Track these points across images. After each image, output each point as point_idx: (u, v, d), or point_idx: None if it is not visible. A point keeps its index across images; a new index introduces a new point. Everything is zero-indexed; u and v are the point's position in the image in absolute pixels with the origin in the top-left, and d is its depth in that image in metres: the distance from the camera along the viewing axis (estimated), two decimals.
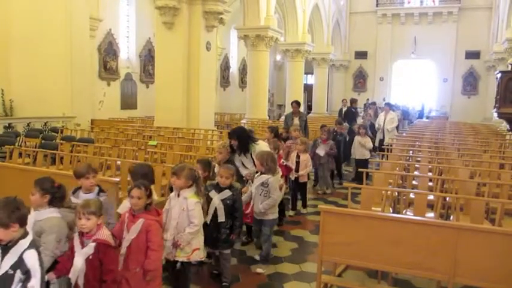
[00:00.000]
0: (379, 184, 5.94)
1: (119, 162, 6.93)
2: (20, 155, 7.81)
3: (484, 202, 4.95)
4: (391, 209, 5.47)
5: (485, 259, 3.37)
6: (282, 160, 6.49)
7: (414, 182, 6.41)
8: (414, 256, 3.58)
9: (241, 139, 5.38)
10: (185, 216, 3.74)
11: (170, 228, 3.75)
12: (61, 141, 8.93)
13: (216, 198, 4.19)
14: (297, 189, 7.10)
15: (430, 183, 6.33)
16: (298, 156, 6.98)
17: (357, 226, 3.82)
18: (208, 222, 4.10)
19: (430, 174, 6.91)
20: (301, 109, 21.84)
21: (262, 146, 5.52)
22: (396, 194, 5.59)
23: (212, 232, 4.16)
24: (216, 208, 4.17)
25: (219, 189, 4.25)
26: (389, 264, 3.74)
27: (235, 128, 5.79)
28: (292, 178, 6.88)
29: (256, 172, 5.04)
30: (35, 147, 8.77)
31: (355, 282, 4.45)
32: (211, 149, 7.85)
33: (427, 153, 8.35)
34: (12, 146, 8.01)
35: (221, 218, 4.16)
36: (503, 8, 21.31)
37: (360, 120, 12.54)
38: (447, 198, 5.48)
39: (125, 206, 3.68)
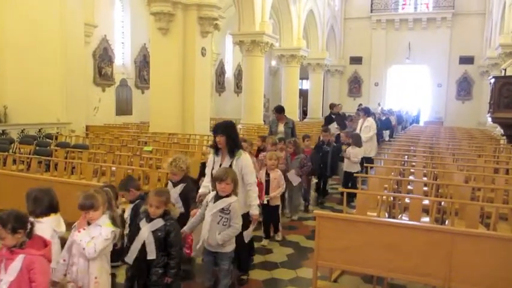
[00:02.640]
0: (374, 189, 5.95)
1: (113, 169, 6.91)
2: (14, 161, 7.78)
3: (478, 207, 4.95)
4: (386, 214, 5.47)
5: (480, 264, 3.37)
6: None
7: (409, 187, 6.43)
8: (409, 261, 3.58)
9: (230, 135, 4.18)
10: None
11: (76, 266, 3.09)
12: (55, 148, 8.89)
13: (146, 229, 3.38)
14: (268, 214, 5.73)
15: (425, 188, 6.34)
16: (268, 174, 5.70)
17: (353, 231, 3.82)
18: (131, 261, 3.38)
19: (425, 179, 6.93)
20: (296, 114, 22.20)
21: (247, 155, 4.36)
22: (391, 198, 5.60)
23: (140, 272, 3.42)
24: (144, 242, 3.36)
25: (150, 217, 3.43)
26: (385, 270, 3.74)
27: (223, 121, 4.56)
28: (264, 201, 5.51)
29: (218, 196, 3.82)
30: (29, 154, 8.72)
31: (350, 287, 4.45)
32: (207, 154, 7.84)
33: (422, 158, 8.38)
34: (6, 153, 7.97)
35: (151, 254, 3.34)
36: (497, 14, 21.50)
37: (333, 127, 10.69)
38: (442, 203, 5.50)
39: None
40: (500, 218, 5.20)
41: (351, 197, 6.44)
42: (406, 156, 8.71)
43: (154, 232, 3.37)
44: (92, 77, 16.15)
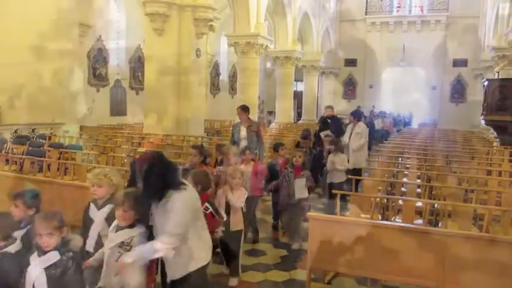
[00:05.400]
0: (368, 191, 5.97)
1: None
2: (7, 161, 7.73)
3: (471, 208, 4.97)
4: (380, 216, 5.48)
5: (473, 265, 3.39)
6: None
7: (403, 189, 6.44)
8: (403, 263, 3.58)
9: (148, 178, 2.77)
10: None
11: None
12: (49, 148, 8.84)
13: (36, 266, 2.58)
14: (229, 240, 4.43)
15: (419, 190, 6.36)
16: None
17: (346, 233, 3.82)
18: None
19: (418, 181, 6.95)
20: (291, 116, 22.20)
21: (183, 196, 2.83)
22: (385, 200, 5.61)
23: None
24: (34, 283, 2.56)
25: (42, 251, 2.61)
26: (379, 271, 3.74)
27: (143, 154, 3.29)
28: (219, 234, 4.08)
29: (120, 226, 2.96)
30: (22, 154, 8.66)
31: None
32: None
33: (416, 160, 8.41)
34: None
35: None
36: (490, 17, 21.65)
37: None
38: (435, 205, 5.52)
39: None
40: (493, 219, 5.21)
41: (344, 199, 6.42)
42: (400, 159, 8.74)
43: (47, 269, 2.57)
44: (86, 78, 16.09)
